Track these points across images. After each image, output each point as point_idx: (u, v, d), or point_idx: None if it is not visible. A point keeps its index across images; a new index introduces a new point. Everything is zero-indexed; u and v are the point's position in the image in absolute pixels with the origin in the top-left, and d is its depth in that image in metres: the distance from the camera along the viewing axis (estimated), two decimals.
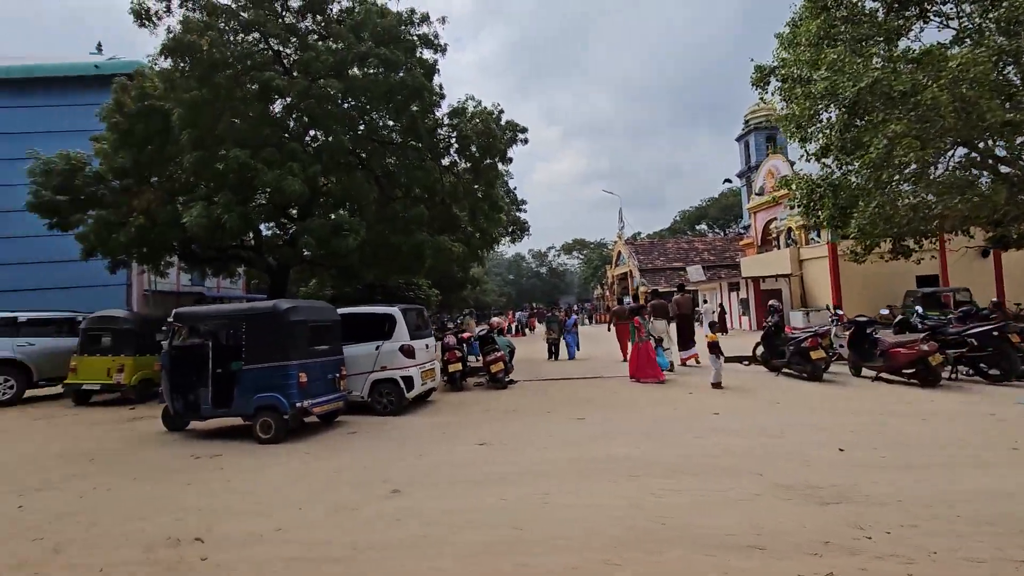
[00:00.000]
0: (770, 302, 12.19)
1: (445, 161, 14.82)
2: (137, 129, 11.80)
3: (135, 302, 21.28)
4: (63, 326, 11.16)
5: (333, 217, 13.03)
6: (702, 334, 10.99)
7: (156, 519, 4.23)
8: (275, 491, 4.87)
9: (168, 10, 11.69)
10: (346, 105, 12.83)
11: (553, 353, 15.00)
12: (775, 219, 26.47)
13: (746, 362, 11.95)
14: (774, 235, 26.95)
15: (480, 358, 11.85)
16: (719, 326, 10.03)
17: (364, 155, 13.73)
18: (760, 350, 11.25)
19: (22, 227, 18.79)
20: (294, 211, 14.26)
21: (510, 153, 15.11)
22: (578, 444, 6.00)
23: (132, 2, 11.39)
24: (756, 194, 28.57)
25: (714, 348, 9.16)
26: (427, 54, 13.45)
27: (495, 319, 17.79)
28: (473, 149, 14.28)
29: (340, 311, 8.20)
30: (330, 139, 12.36)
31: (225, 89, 11.14)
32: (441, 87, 13.58)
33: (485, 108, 14.47)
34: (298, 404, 6.58)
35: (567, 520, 3.78)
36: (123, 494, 4.96)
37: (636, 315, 10.75)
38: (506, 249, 62.57)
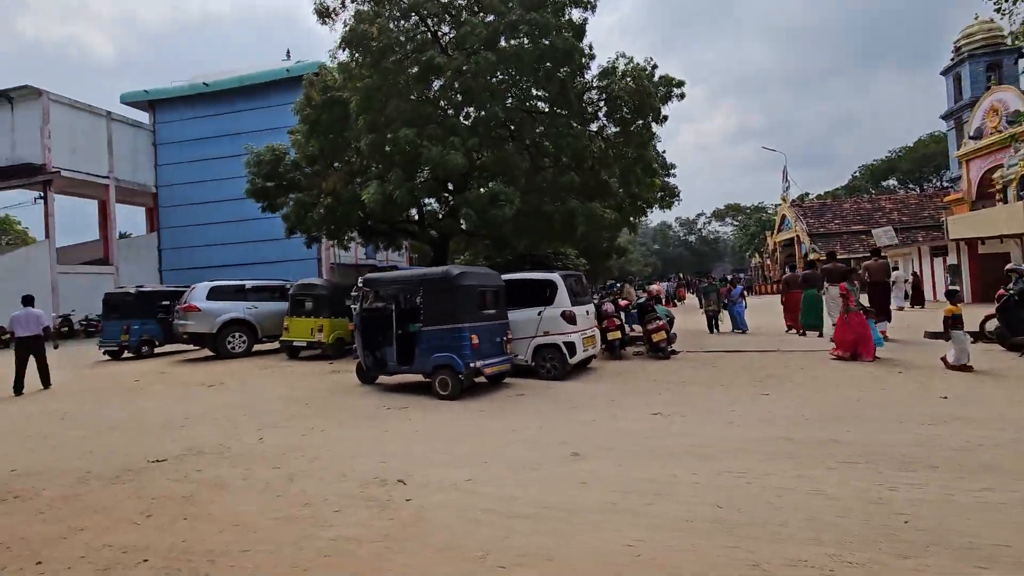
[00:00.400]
0: (1008, 267, 9.79)
1: (594, 126, 14.36)
2: (322, 119, 13.28)
3: (324, 273, 24.54)
4: (276, 292, 13.22)
5: (489, 187, 13.43)
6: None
7: (363, 459, 4.73)
8: (460, 444, 5.15)
9: (343, 5, 12.82)
10: (498, 76, 13.01)
11: (714, 326, 13.92)
12: (999, 167, 21.23)
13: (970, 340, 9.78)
14: (998, 186, 21.69)
15: (634, 328, 11.44)
16: (949, 297, 8.14)
17: (514, 126, 13.86)
18: (993, 324, 9.14)
19: (243, 213, 22.80)
20: (452, 186, 15.06)
21: (665, 110, 14.10)
22: (771, 421, 5.39)
23: (315, 2, 12.69)
24: (971, 138, 23.18)
25: (955, 322, 7.50)
26: (575, 14, 13.00)
27: (654, 286, 17.03)
28: (624, 111, 13.58)
29: (504, 277, 8.42)
30: (483, 112, 12.67)
31: (392, 74, 11.97)
32: (591, 47, 13.07)
33: (637, 64, 13.59)
34: (471, 364, 6.92)
35: (781, 506, 3.35)
36: (333, 435, 5.66)
37: (843, 280, 9.29)
38: (651, 218, 59.73)
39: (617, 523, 3.28)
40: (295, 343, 11.58)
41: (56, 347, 10.01)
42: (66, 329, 22.21)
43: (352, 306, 11.19)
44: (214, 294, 11.98)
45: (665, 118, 14.37)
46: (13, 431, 6.32)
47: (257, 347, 13.02)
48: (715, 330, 13.81)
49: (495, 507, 3.57)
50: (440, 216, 16.11)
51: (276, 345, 12.56)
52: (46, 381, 9.07)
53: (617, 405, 6.57)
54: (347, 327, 11.38)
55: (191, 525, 3.45)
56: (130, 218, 36.89)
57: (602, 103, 13.94)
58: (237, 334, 12.22)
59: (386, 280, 8.11)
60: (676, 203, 29.46)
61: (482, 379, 7.51)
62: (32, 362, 8.87)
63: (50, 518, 3.62)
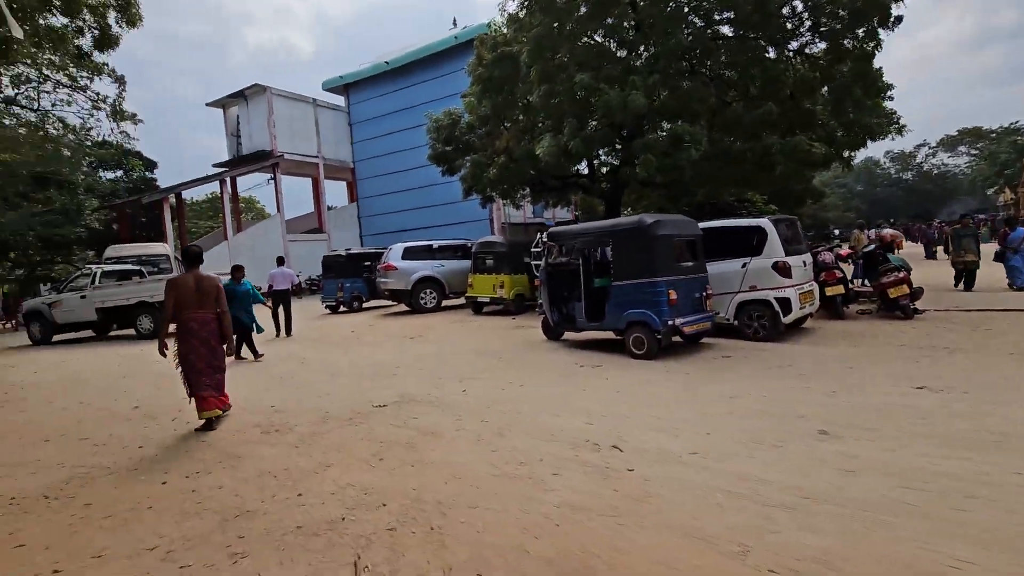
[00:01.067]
0: None
1: (794, 44, 11.99)
2: (494, 76, 13.24)
3: (496, 232, 25.47)
4: (460, 251, 13.94)
5: (669, 128, 12.18)
6: None
7: (567, 418, 4.49)
8: (670, 410, 4.64)
9: None
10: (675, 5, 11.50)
11: (965, 280, 11.00)
12: None
13: None
14: None
15: (856, 282, 9.52)
16: None
17: (695, 59, 12.25)
18: None
19: (427, 179, 24.71)
20: (626, 133, 14.08)
21: (897, 9, 11.08)
22: None
23: None
24: None
25: None
26: None
27: (886, 231, 14.19)
28: (841, 16, 11.01)
29: (701, 225, 7.48)
30: (663, 45, 11.34)
31: (563, 15, 11.30)
32: None
33: None
34: (669, 322, 6.28)
35: None
36: (531, 391, 5.56)
37: None
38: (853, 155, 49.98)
39: (918, 531, 2.49)
40: (479, 299, 12.10)
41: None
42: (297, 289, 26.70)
43: (532, 262, 11.38)
44: (408, 254, 13.04)
45: (898, 20, 11.37)
46: (268, 372, 7.52)
47: (445, 302, 13.96)
48: (967, 286, 10.94)
49: (738, 489, 3.01)
50: (612, 166, 15.28)
51: (461, 301, 13.29)
52: (289, 329, 10.77)
53: (858, 374, 5.40)
54: (525, 283, 11.47)
55: (418, 472, 3.53)
56: (336, 192, 42.64)
57: (805, 16, 11.52)
58: (428, 290, 13.21)
59: (572, 233, 7.76)
60: (908, 130, 24.14)
61: (677, 338, 6.83)
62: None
63: (303, 452, 4.05)
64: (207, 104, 30.86)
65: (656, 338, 6.37)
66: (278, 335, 10.51)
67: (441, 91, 25.24)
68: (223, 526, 2.94)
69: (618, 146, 15.26)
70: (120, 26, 11.16)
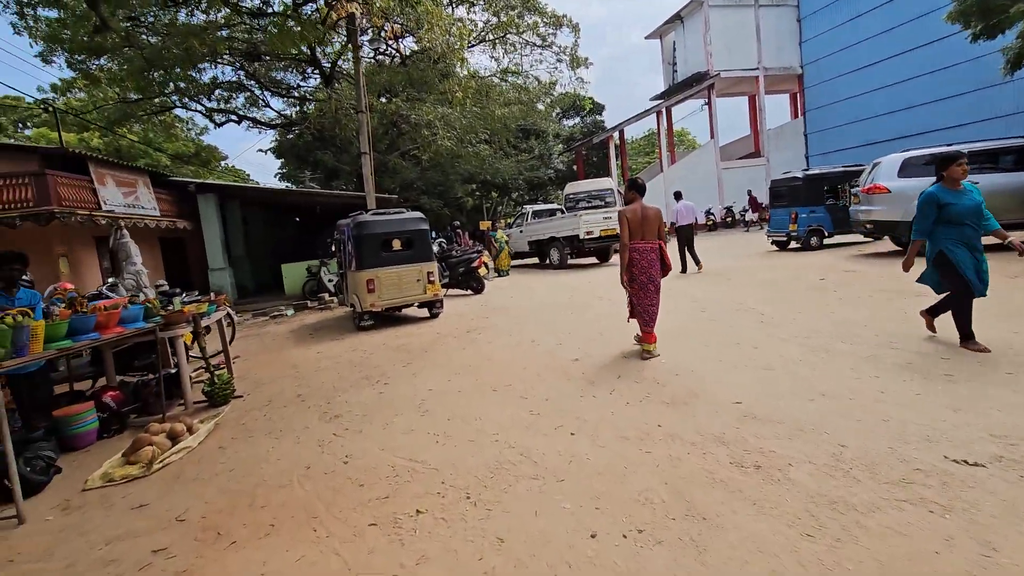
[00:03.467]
0: None
1: None
2: None
3: None
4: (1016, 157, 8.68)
5: None
6: None
7: None
8: None
9: None
10: None
11: None
12: None
13: None
14: None
15: None
16: None
17: None
18: None
19: (914, 65, 17.75)
20: None
21: None
22: None
23: None
24: None
25: None
26: None
27: None
28: None
29: None
30: None
31: None
32: None
33: None
34: None
35: None
36: None
37: None
38: None
39: None
40: None
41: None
42: (729, 220, 24.72)
43: None
44: (907, 169, 8.91)
45: None
46: (714, 332, 6.00)
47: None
48: None
49: None
50: None
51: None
52: (699, 263, 10.38)
53: None
54: None
55: None
56: (775, 110, 37.29)
57: None
58: None
59: None
60: None
61: None
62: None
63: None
64: (645, 37, 31.18)
65: None
66: (684, 271, 10.34)
67: None
68: None
69: None
70: None
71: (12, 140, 21.51)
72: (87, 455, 4.11)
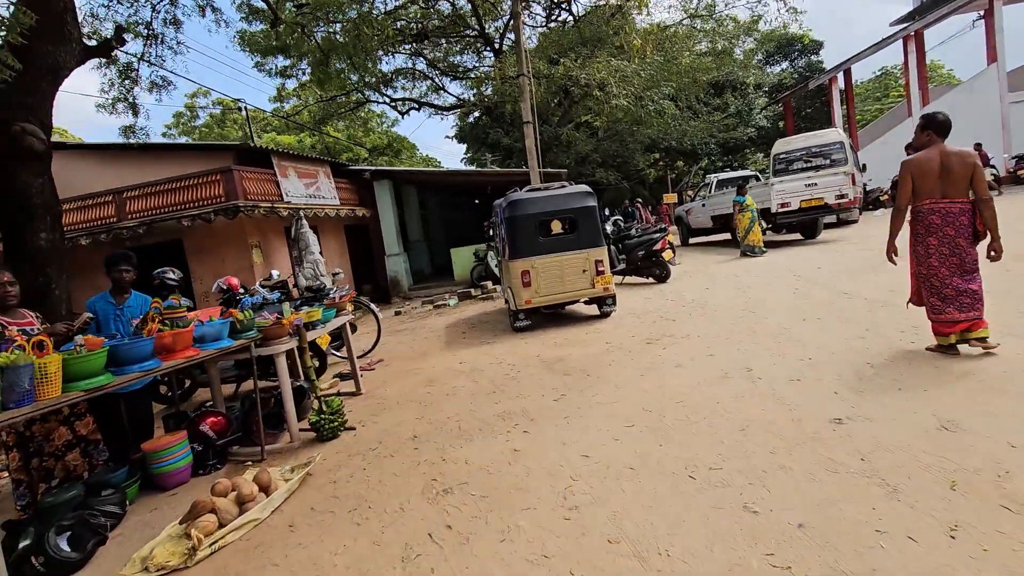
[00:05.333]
0: None
1: None
2: None
3: None
4: None
5: None
6: None
7: None
8: None
9: None
10: None
11: None
12: None
13: None
14: None
15: None
16: None
17: None
18: None
19: None
20: None
21: None
22: None
23: None
24: None
25: None
26: None
27: None
28: None
29: None
30: None
31: None
32: None
33: None
34: None
35: None
36: None
37: None
38: None
39: None
40: None
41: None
42: (1022, 173, 17.80)
43: None
44: None
45: None
46: None
47: None
48: None
49: None
50: None
51: None
52: None
53: None
54: None
55: None
56: None
57: None
58: None
59: None
60: None
61: None
62: None
63: None
64: None
65: None
66: None
67: None
68: None
69: None
70: None
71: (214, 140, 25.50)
72: (174, 499, 3.43)
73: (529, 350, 5.87)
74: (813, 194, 10.93)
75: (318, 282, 10.23)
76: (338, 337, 6.34)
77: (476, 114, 25.63)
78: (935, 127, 3.65)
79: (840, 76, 23.36)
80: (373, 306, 6.81)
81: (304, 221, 10.36)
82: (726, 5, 19.36)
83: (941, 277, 3.65)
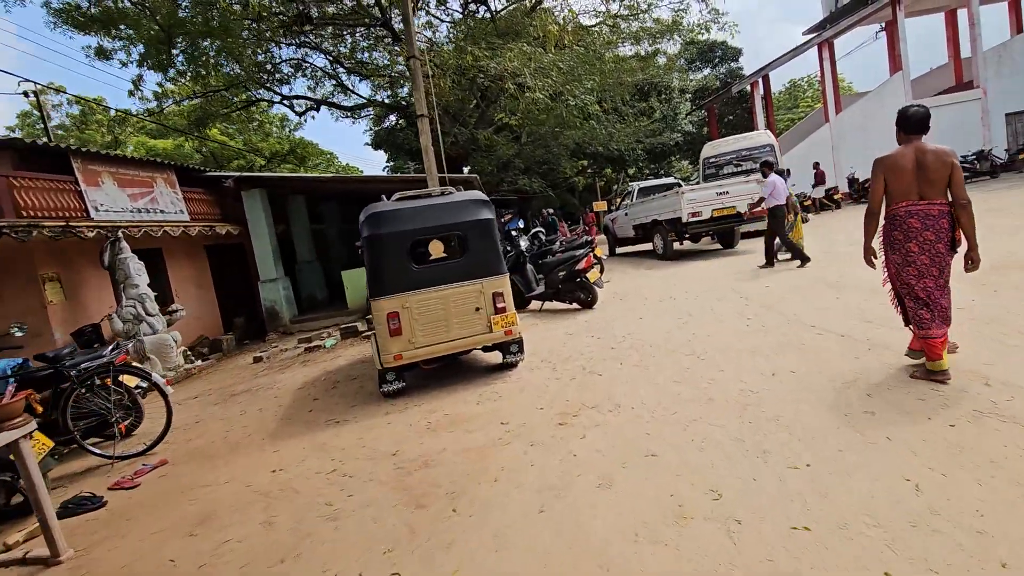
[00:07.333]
0: None
1: None
2: None
3: None
4: None
5: None
6: None
7: None
8: None
9: None
10: None
11: None
12: None
13: None
14: None
15: None
16: None
17: None
18: None
19: None
20: None
21: None
22: None
23: None
24: None
25: None
26: None
27: None
28: None
29: None
30: None
31: None
32: None
33: None
34: None
35: None
36: None
37: None
38: None
39: None
40: None
41: None
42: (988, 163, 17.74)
43: None
44: None
45: None
46: None
47: None
48: None
49: None
50: None
51: None
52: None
53: None
54: None
55: None
56: (991, 26, 28.14)
57: None
58: None
59: None
60: None
61: None
62: None
63: None
64: None
65: None
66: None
67: None
68: None
69: None
70: None
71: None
72: None
73: (388, 440, 3.88)
74: (725, 203, 10.13)
75: (143, 325, 7.74)
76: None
77: (393, 119, 23.41)
78: (910, 124, 3.33)
79: (760, 82, 23.33)
80: (160, 379, 4.55)
81: (124, 244, 7.83)
82: (649, 6, 18.46)
83: (918, 287, 3.33)
